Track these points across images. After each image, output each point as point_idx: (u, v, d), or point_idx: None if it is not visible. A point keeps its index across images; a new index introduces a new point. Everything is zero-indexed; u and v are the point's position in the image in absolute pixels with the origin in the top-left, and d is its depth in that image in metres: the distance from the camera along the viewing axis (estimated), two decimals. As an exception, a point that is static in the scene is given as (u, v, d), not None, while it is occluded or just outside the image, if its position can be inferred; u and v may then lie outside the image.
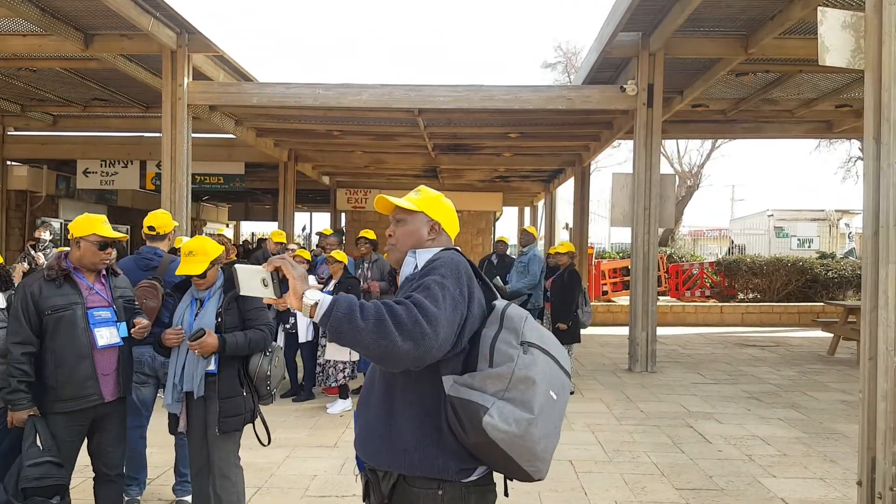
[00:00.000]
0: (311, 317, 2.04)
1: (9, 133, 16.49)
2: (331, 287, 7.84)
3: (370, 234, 8.60)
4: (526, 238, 9.48)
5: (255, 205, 27.72)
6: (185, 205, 10.27)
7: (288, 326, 8.10)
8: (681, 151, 28.52)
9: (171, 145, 10.24)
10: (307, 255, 8.33)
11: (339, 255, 7.88)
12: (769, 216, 31.65)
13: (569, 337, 8.49)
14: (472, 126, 12.75)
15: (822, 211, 32.91)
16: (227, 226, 31.22)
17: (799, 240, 28.59)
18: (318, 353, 7.85)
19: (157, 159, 16.50)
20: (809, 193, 70.60)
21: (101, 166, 16.55)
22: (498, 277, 9.64)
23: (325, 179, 20.34)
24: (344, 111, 11.40)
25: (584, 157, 15.88)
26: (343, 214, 22.37)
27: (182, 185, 10.27)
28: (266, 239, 10.41)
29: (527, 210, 27.77)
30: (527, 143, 14.20)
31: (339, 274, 7.84)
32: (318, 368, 7.77)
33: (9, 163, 16.63)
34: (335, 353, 7.61)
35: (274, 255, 8.74)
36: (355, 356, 7.76)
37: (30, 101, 14.19)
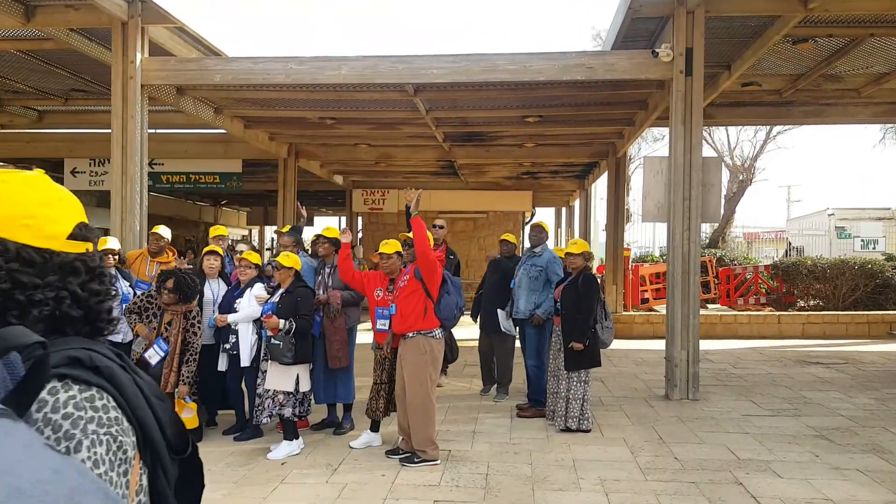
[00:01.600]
0: None
1: (-7, 131, 15.39)
2: (276, 298, 6.22)
3: (332, 232, 6.98)
4: (536, 235, 7.73)
5: (276, 208, 26.41)
6: (137, 203, 8.79)
7: (228, 346, 6.51)
8: (732, 143, 26.27)
9: (122, 132, 8.81)
10: (257, 258, 6.75)
11: (288, 259, 6.27)
12: (829, 215, 29.20)
13: (587, 360, 6.71)
14: (481, 109, 11.02)
15: (888, 209, 30.35)
16: (249, 232, 30.04)
17: (863, 241, 26.23)
18: (258, 379, 6.25)
19: (150, 157, 15.21)
20: (871, 191, 66.69)
21: (90, 165, 15.32)
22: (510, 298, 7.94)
23: (339, 180, 18.82)
24: (326, 91, 9.81)
25: (617, 146, 14.01)
26: (360, 217, 20.82)
27: (134, 178, 8.80)
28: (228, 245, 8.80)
29: (563, 211, 25.89)
30: (549, 129, 12.42)
31: (287, 282, 6.23)
32: (257, 399, 6.16)
33: (-6, 163, 15.51)
34: (277, 380, 6.00)
35: (319, 257, 7.19)
36: (305, 386, 6.13)
37: (5, 93, 12.97)
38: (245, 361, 6.42)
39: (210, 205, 25.52)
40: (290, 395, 5.99)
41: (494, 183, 19.36)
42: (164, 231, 7.67)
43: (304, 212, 9.04)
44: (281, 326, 5.95)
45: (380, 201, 19.83)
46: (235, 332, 6.48)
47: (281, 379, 5.98)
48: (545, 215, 29.55)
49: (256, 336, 6.47)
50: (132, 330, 6.26)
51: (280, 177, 14.74)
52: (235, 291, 6.68)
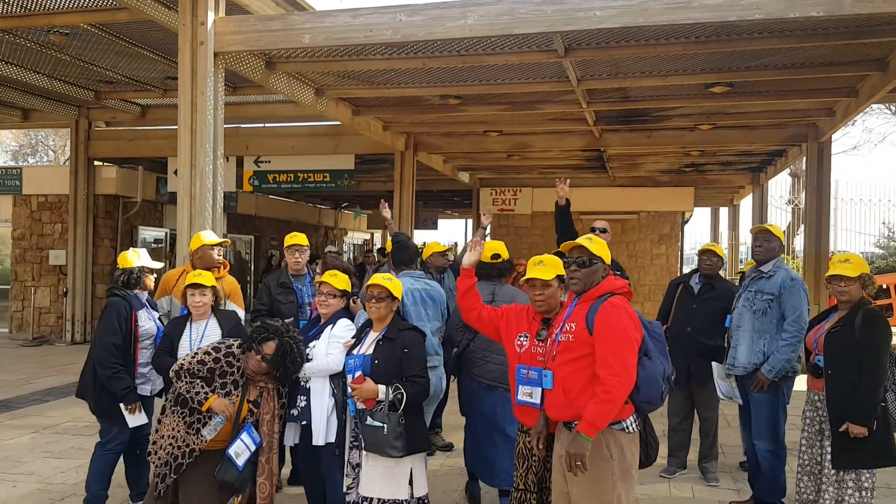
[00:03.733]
0: None
1: (95, 129, 14.26)
2: (368, 346, 3.99)
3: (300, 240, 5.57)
4: (764, 246, 4.99)
5: (397, 212, 24.56)
6: (209, 203, 6.81)
7: (295, 412, 4.30)
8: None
9: (191, 113, 6.83)
10: (343, 281, 4.50)
11: (336, 278, 4.36)
12: None
13: (871, 453, 4.00)
14: (650, 75, 8.34)
15: None
16: (371, 236, 28.46)
17: None
18: (347, 475, 4.00)
19: (256, 153, 13.61)
20: None
21: (193, 164, 13.82)
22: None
23: (465, 177, 16.56)
24: (447, 56, 7.52)
25: (823, 127, 10.87)
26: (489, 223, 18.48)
27: (205, 171, 6.81)
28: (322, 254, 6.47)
29: (723, 212, 22.46)
30: (739, 103, 9.55)
31: (384, 319, 3.97)
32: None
33: (96, 163, 14.37)
34: (379, 484, 3.76)
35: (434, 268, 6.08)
36: (422, 488, 3.84)
37: (98, 83, 11.61)
38: (320, 440, 4.17)
39: (331, 207, 24.00)
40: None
41: (648, 178, 16.46)
42: (209, 235, 5.54)
43: (387, 213, 6.74)
44: (381, 396, 3.69)
45: (511, 201, 17.40)
46: (306, 393, 4.25)
47: (385, 481, 3.73)
48: (701, 217, 26.04)
49: (332, 399, 4.22)
50: (198, 399, 4.03)
51: (396, 174, 12.64)
52: (312, 330, 4.46)
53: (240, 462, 3.90)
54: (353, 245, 27.29)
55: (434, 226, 23.10)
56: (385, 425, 3.62)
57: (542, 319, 3.80)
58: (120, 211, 14.67)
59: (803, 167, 22.25)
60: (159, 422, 4.15)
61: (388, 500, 3.71)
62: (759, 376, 4.79)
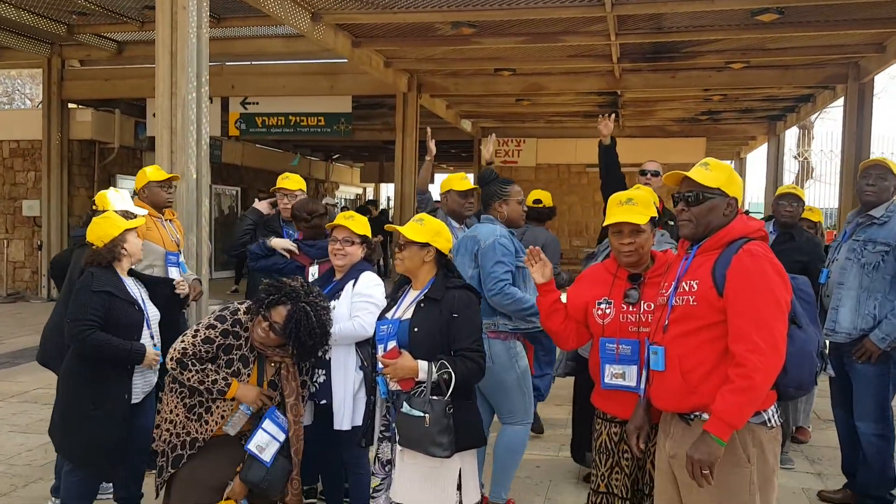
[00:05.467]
0: None
1: (69, 68, 13.09)
2: (404, 310, 3.10)
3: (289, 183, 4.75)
4: (881, 181, 4.03)
5: (393, 164, 23.50)
6: (193, 139, 5.83)
7: (313, 389, 3.44)
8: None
9: (170, 30, 5.81)
10: (362, 225, 3.57)
11: (354, 221, 3.62)
12: None
13: None
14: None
15: None
16: (364, 190, 27.40)
17: None
18: (375, 472, 3.13)
19: (243, 94, 12.50)
20: None
21: (175, 106, 12.73)
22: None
23: (467, 126, 15.55)
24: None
25: (867, 65, 9.95)
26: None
27: (188, 101, 5.82)
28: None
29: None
30: (782, 34, 8.59)
31: (423, 276, 3.08)
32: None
33: (70, 106, 13.23)
34: (418, 488, 2.91)
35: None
36: (475, 495, 2.97)
37: (71, 15, 10.46)
38: (343, 423, 3.32)
39: (321, 159, 22.87)
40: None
41: (659, 128, 15.56)
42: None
43: (432, 144, 5.81)
44: (421, 376, 2.83)
45: (514, 153, 16.48)
46: (326, 366, 3.38)
47: (426, 485, 2.86)
48: (702, 170, 25.27)
49: (360, 373, 3.36)
50: (217, 389, 3.07)
51: (398, 117, 11.63)
52: (327, 288, 3.55)
53: (266, 457, 3.01)
54: (346, 199, 26.21)
55: (431, 180, 22.12)
56: (427, 415, 2.75)
57: (628, 276, 2.94)
58: (96, 158, 13.60)
59: (812, 119, 21.55)
60: (159, 401, 3.26)
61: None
62: (868, 344, 3.95)
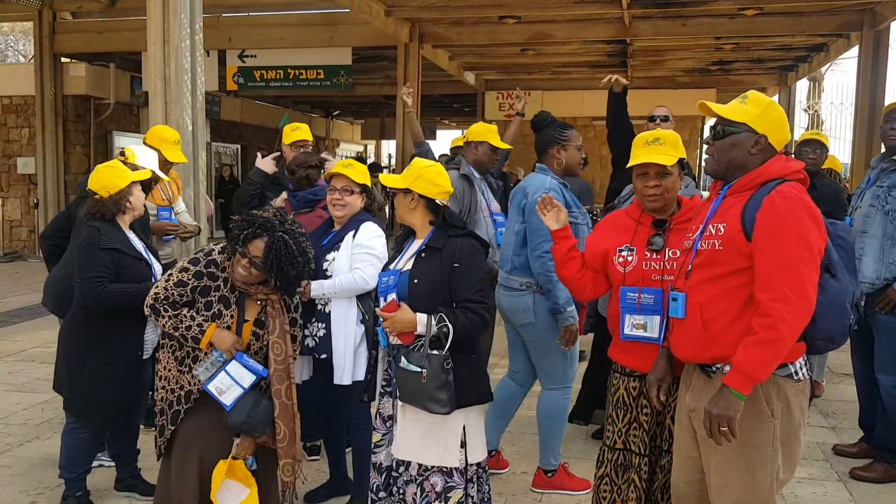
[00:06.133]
0: None
1: (60, 21, 12.74)
2: (405, 261, 2.93)
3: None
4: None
5: (395, 120, 23.14)
6: (187, 89, 5.60)
7: (312, 343, 3.28)
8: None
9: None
10: (362, 174, 3.37)
11: (353, 169, 3.43)
12: None
13: None
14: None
15: None
16: (365, 148, 27.08)
17: None
18: (377, 428, 2.96)
19: (240, 47, 12.17)
20: None
21: (170, 60, 12.41)
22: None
23: (470, 78, 15.21)
24: None
25: (883, 12, 9.60)
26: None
27: (181, 48, 5.58)
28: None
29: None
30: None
31: (423, 226, 2.90)
32: (373, 477, 2.94)
33: (63, 60, 12.91)
34: (419, 446, 2.75)
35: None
36: (481, 452, 2.83)
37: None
38: (344, 378, 3.17)
39: (322, 116, 22.51)
40: (453, 475, 2.71)
41: (668, 79, 15.21)
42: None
43: (409, 98, 5.48)
44: (420, 330, 2.66)
45: (515, 108, 16.10)
46: (326, 319, 3.22)
47: (428, 442, 2.69)
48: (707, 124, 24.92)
49: (362, 327, 3.20)
50: (192, 336, 2.89)
51: (400, 69, 11.30)
52: (326, 239, 3.37)
53: (226, 400, 2.84)
54: (346, 157, 25.91)
55: (432, 136, 21.79)
56: (424, 370, 2.58)
57: (652, 222, 2.75)
58: (92, 114, 13.33)
59: (823, 71, 21.07)
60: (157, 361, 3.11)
61: (433, 468, 2.71)
62: (892, 294, 3.78)
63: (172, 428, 2.91)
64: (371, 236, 3.25)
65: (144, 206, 3.58)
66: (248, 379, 2.87)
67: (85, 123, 13.28)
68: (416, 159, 2.94)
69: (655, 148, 2.68)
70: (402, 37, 10.97)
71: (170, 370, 2.95)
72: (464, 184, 4.07)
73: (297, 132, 4.66)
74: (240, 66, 12.22)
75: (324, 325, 3.23)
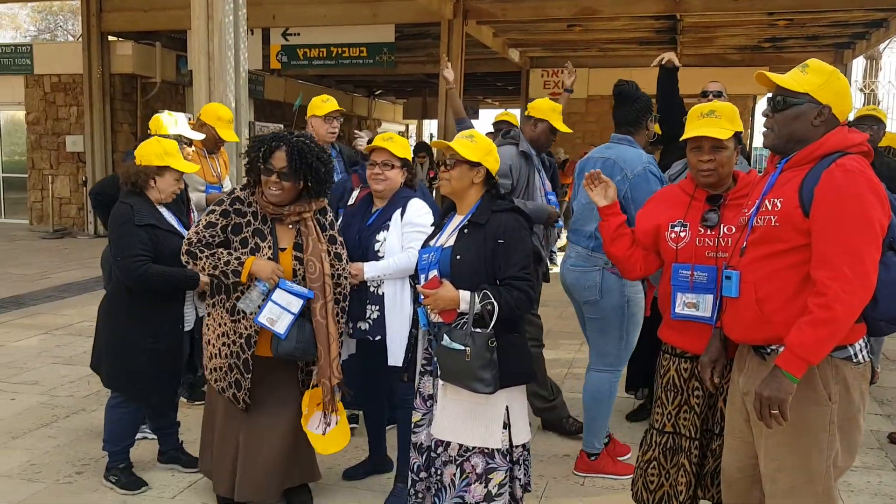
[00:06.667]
0: None
1: (108, -1, 12.89)
2: (447, 237, 2.85)
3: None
4: None
5: (437, 99, 23.02)
6: (230, 63, 5.60)
7: (366, 326, 3.22)
8: None
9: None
10: (403, 147, 3.26)
11: (393, 143, 3.29)
12: None
13: None
14: None
15: None
16: (406, 128, 27.00)
17: None
18: (417, 407, 2.90)
19: (284, 25, 12.16)
20: None
21: (216, 38, 12.47)
22: None
23: (515, 55, 14.99)
24: None
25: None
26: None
27: (224, 23, 5.57)
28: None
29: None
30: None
31: (467, 199, 2.82)
32: (413, 457, 2.91)
33: (110, 38, 13.08)
34: (461, 426, 2.70)
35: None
36: (524, 433, 2.76)
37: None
38: (399, 359, 3.08)
39: (363, 95, 22.49)
40: (495, 456, 2.65)
41: (718, 56, 14.80)
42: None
43: (449, 73, 5.35)
44: (463, 307, 2.59)
45: (564, 84, 15.82)
46: (379, 301, 3.16)
47: (470, 423, 2.63)
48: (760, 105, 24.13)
49: (411, 308, 3.13)
50: (232, 270, 2.90)
51: (443, 46, 11.19)
52: (371, 218, 3.28)
53: (280, 329, 2.87)
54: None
55: (475, 115, 21.57)
56: (468, 349, 2.50)
57: (707, 197, 2.63)
58: (138, 93, 13.50)
59: (881, 48, 20.26)
60: (207, 342, 3.14)
61: (475, 449, 2.64)
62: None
63: (249, 376, 2.95)
64: (421, 213, 3.16)
65: (184, 183, 3.56)
66: (296, 304, 2.90)
67: (132, 102, 13.46)
68: (478, 133, 2.82)
69: (710, 121, 2.57)
70: (445, 13, 10.84)
71: (224, 325, 2.98)
72: (521, 160, 3.89)
73: (328, 104, 4.58)
74: (283, 44, 12.24)
75: (378, 308, 3.17)
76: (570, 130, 4.15)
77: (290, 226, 3.00)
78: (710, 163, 2.57)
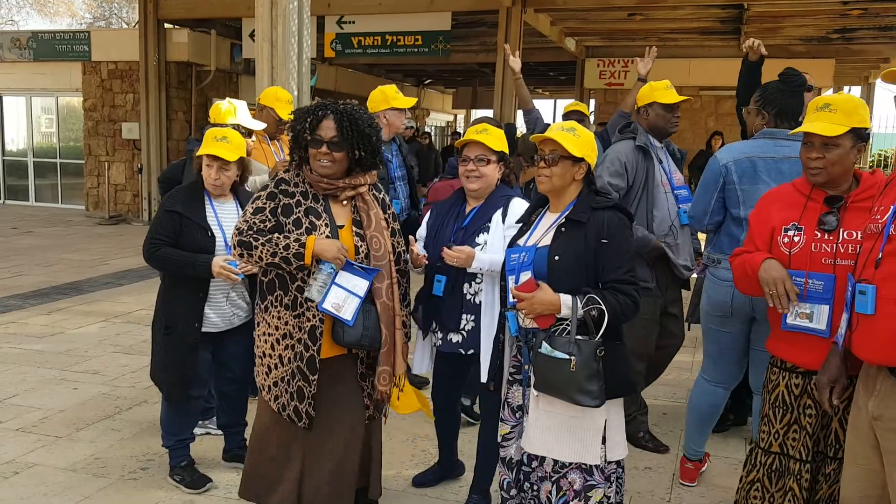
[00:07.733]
0: None
1: (164, -14, 12.93)
2: (542, 235, 2.65)
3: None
4: None
5: (487, 89, 22.80)
6: (293, 49, 5.48)
7: (457, 339, 3.02)
8: None
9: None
10: (498, 139, 3.03)
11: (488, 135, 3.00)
12: None
13: None
14: None
15: None
16: (455, 118, 26.78)
17: None
18: (504, 419, 2.72)
19: (339, 13, 12.06)
20: None
21: (269, 27, 12.42)
22: None
23: (570, 44, 14.66)
24: None
25: None
26: (592, 99, 16.49)
27: (288, 10, 5.44)
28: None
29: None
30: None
31: (564, 194, 2.63)
32: (500, 472, 2.76)
33: (167, 26, 13.13)
34: (555, 440, 2.51)
35: None
36: (621, 449, 2.57)
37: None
38: (485, 375, 2.87)
39: (413, 84, 22.35)
40: (594, 473, 2.47)
41: (782, 48, 14.20)
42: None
43: (516, 63, 5.12)
44: (564, 312, 2.39)
45: (620, 75, 15.43)
46: (475, 311, 2.93)
47: (566, 437, 2.45)
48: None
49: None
50: (293, 254, 2.59)
51: (500, 34, 10.94)
52: (466, 220, 3.01)
53: (346, 315, 2.62)
54: (436, 127, 25.64)
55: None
56: (574, 358, 2.31)
57: (825, 199, 2.40)
58: (193, 81, 13.54)
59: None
60: (263, 354, 2.87)
61: (571, 465, 2.45)
62: None
63: (314, 378, 2.65)
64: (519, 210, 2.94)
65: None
66: (362, 286, 2.65)
67: (187, 90, 13.51)
68: (579, 126, 2.59)
69: (822, 115, 2.34)
70: (504, 1, 10.60)
71: (285, 324, 2.70)
72: (637, 156, 3.61)
73: (404, 97, 4.45)
74: (338, 32, 12.12)
75: (473, 318, 2.93)
76: (684, 98, 3.81)
77: (345, 202, 2.74)
78: (818, 160, 2.35)
